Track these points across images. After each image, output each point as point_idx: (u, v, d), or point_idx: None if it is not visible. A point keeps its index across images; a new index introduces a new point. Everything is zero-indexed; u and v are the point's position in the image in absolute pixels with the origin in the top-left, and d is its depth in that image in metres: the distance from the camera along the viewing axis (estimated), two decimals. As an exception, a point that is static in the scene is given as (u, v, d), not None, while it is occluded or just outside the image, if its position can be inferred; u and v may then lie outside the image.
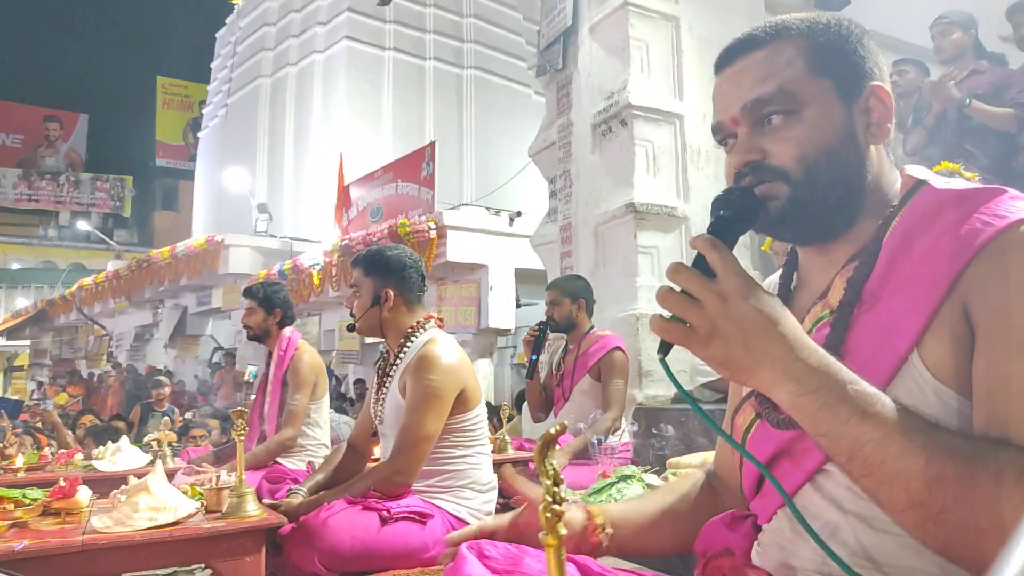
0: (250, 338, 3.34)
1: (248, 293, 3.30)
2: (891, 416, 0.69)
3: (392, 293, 2.22)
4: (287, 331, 3.28)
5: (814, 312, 0.88)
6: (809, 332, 0.86)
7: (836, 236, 0.88)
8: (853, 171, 0.86)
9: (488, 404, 2.60)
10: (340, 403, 8.43)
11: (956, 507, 0.66)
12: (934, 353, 0.74)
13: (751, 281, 0.74)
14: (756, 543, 0.92)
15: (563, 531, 0.53)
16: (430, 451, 2.04)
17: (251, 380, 10.55)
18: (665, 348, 0.78)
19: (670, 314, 0.75)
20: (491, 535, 1.00)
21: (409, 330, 2.22)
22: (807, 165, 0.84)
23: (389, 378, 2.20)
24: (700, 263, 0.75)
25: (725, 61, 0.91)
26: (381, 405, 2.22)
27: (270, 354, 3.30)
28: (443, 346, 2.12)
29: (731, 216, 0.82)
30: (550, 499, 0.53)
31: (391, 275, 2.23)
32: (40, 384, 16.30)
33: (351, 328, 2.32)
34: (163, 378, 7.92)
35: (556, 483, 0.53)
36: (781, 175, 0.84)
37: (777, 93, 0.85)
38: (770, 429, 0.86)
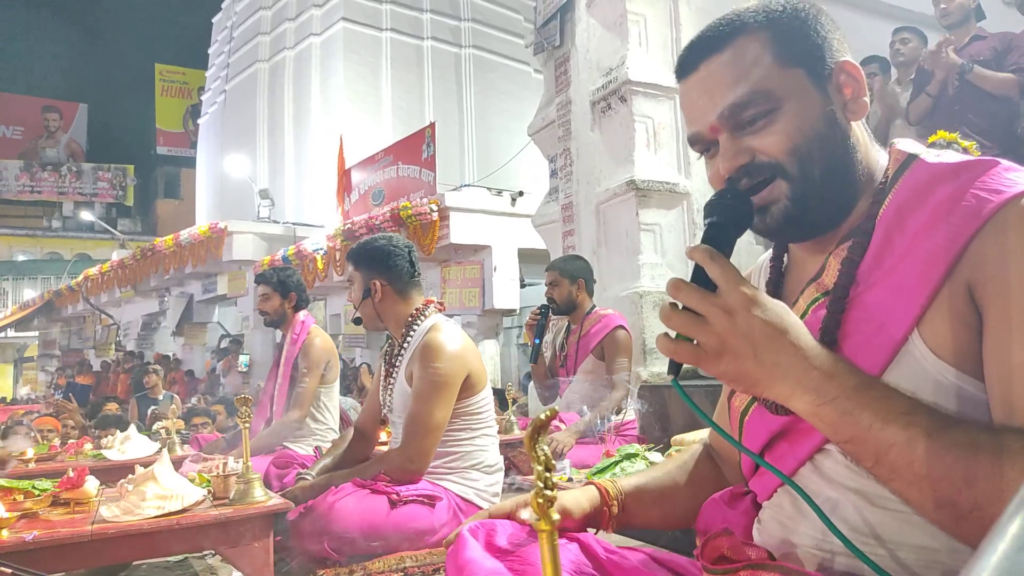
0: (267, 324, 3.36)
1: (262, 279, 3.31)
2: (914, 418, 0.68)
3: (379, 284, 2.23)
4: (301, 315, 3.30)
5: (808, 293, 0.87)
6: (804, 315, 0.85)
7: (837, 225, 0.86)
8: (842, 153, 0.84)
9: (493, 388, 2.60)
10: (346, 385, 8.47)
11: (988, 504, 0.64)
12: (935, 333, 0.73)
13: (755, 291, 0.71)
14: (756, 520, 0.92)
15: (555, 516, 0.52)
16: (440, 439, 2.05)
17: (244, 369, 10.61)
18: (676, 368, 0.76)
19: (675, 333, 0.73)
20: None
21: (409, 318, 2.22)
22: (799, 155, 0.82)
23: (396, 367, 2.22)
24: (700, 276, 0.73)
25: (688, 67, 0.88)
26: (389, 393, 2.24)
27: (283, 338, 3.32)
28: (446, 333, 2.13)
29: (725, 222, 0.78)
30: (541, 484, 0.52)
31: (376, 266, 2.24)
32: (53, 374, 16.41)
33: (357, 321, 2.34)
34: (155, 365, 7.92)
35: (547, 468, 0.53)
36: (776, 169, 0.82)
37: (752, 94, 0.82)
38: (767, 412, 0.85)
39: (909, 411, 0.68)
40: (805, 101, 0.83)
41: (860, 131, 0.86)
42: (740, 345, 0.70)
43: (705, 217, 0.80)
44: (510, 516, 0.96)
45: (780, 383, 0.70)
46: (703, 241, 0.76)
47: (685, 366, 0.75)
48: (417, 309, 2.24)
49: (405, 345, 2.20)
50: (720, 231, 0.78)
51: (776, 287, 0.95)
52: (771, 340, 0.70)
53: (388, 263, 2.24)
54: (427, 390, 2.03)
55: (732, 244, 0.78)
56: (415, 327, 2.20)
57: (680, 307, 0.72)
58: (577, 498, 0.98)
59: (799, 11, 0.85)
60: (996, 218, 0.71)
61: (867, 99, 0.86)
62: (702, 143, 0.89)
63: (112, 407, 5.71)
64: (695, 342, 0.72)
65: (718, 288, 0.71)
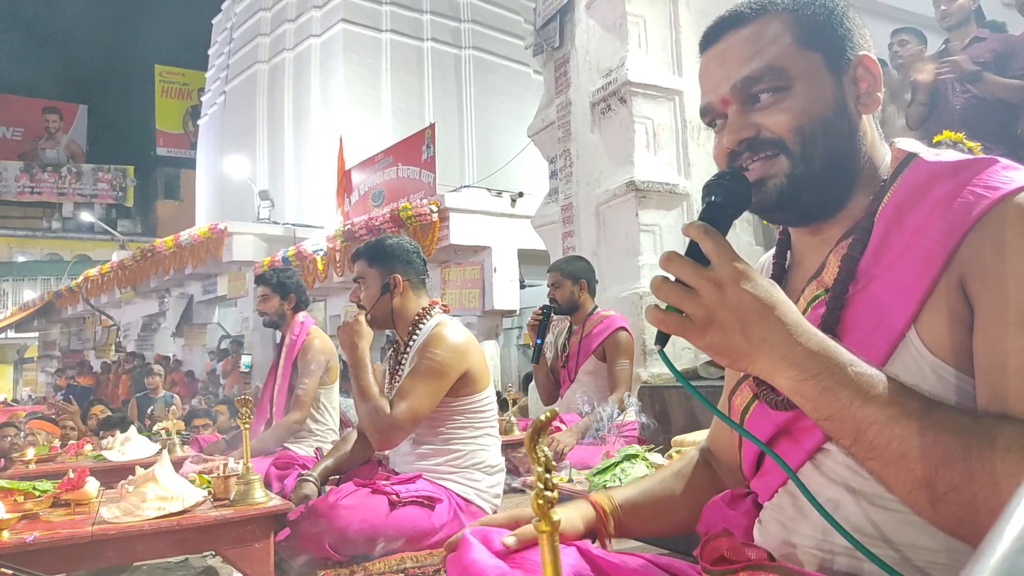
0: (266, 324, 3.36)
1: (261, 280, 3.30)
2: (894, 397, 0.68)
3: (400, 278, 2.23)
4: (300, 316, 3.29)
5: (808, 291, 0.87)
6: (804, 312, 0.85)
7: (832, 214, 0.87)
8: (847, 142, 0.85)
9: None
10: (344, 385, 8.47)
11: (964, 486, 0.65)
12: (931, 329, 0.74)
13: (746, 267, 0.72)
14: (757, 521, 0.92)
15: (556, 517, 0.52)
16: (417, 425, 2.03)
17: (246, 370, 10.60)
18: (663, 339, 0.77)
19: (666, 304, 0.74)
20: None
21: (416, 317, 2.23)
22: (803, 136, 0.83)
23: (401, 365, 2.21)
24: (694, 251, 0.74)
25: (710, 39, 0.90)
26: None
27: (282, 338, 3.32)
28: (451, 328, 2.14)
29: (723, 201, 0.80)
30: (542, 486, 0.53)
31: (396, 261, 2.25)
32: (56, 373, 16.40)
33: None
34: (155, 366, 7.93)
35: (547, 469, 0.53)
36: (779, 145, 0.83)
37: (766, 70, 0.84)
38: (768, 410, 0.86)
39: (890, 390, 0.69)
40: (818, 85, 0.84)
41: (869, 126, 0.87)
42: (728, 318, 0.70)
43: (704, 197, 0.81)
44: (507, 525, 0.95)
45: (765, 358, 0.71)
46: (700, 219, 0.77)
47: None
48: (424, 308, 2.24)
49: (411, 344, 2.19)
50: (717, 210, 0.79)
51: (778, 284, 0.95)
52: (759, 315, 0.70)
53: (406, 258, 2.26)
54: (420, 373, 2.03)
55: (728, 223, 0.79)
56: (421, 326, 2.20)
57: (672, 279, 0.73)
58: (572, 519, 0.98)
59: (828, 0, 0.86)
60: (991, 214, 0.72)
61: (880, 95, 0.87)
62: (712, 115, 0.90)
63: (97, 410, 5.71)
64: (684, 314, 0.72)
65: (710, 262, 0.72)
